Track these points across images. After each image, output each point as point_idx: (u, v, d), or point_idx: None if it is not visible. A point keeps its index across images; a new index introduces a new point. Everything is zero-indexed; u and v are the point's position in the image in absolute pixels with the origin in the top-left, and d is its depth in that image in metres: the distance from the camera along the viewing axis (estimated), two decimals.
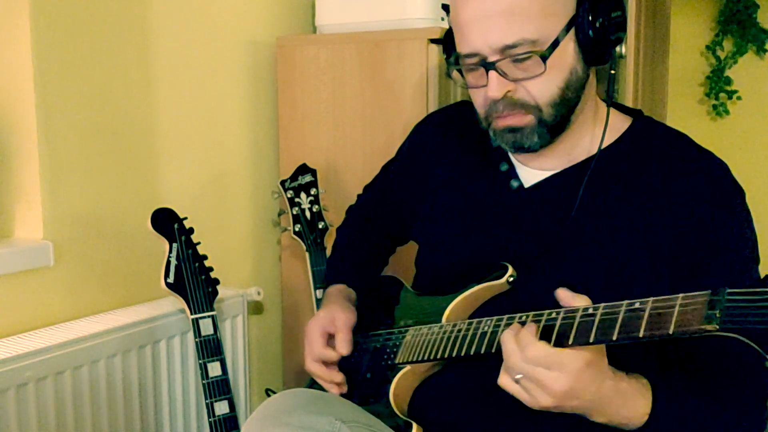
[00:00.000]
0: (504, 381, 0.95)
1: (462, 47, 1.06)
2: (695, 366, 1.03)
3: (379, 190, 1.45)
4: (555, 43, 1.03)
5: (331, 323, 1.25)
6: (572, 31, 1.04)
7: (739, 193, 1.08)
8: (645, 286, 0.95)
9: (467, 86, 1.11)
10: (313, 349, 1.25)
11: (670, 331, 0.82)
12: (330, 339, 1.26)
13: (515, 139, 1.08)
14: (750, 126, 2.89)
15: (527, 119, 1.06)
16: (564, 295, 0.94)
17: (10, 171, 1.49)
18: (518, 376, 0.92)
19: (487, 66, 1.03)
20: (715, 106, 2.91)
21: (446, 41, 1.16)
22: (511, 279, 1.10)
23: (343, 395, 1.23)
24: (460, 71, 1.12)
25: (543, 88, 1.04)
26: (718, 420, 1.01)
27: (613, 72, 1.11)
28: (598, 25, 1.04)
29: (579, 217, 1.08)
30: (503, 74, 1.03)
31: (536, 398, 0.92)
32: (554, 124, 1.07)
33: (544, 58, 1.02)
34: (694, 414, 0.99)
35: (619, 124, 1.14)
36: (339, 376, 1.23)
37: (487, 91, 1.05)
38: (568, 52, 1.05)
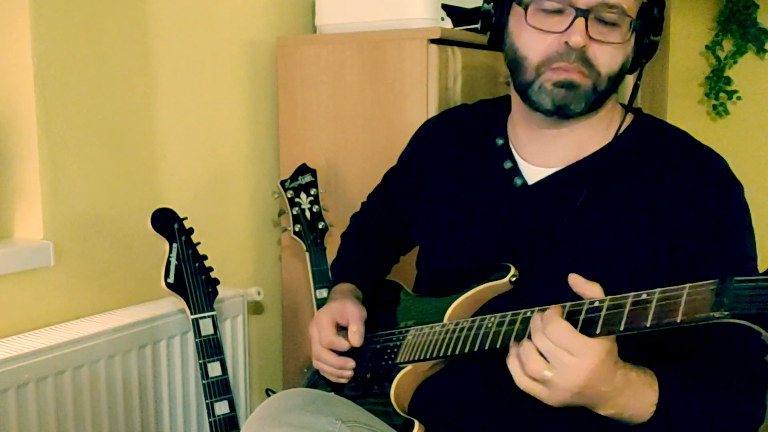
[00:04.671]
0: (517, 374, 0.93)
1: None
2: (696, 356, 1.03)
3: (381, 197, 1.45)
4: (638, 20, 1.07)
5: (341, 314, 1.24)
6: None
7: (738, 186, 1.09)
8: (648, 281, 0.96)
9: (531, 26, 1.08)
10: (323, 336, 1.24)
11: (678, 320, 0.82)
12: (339, 330, 1.25)
13: (565, 97, 1.07)
14: (750, 126, 2.89)
15: (586, 81, 1.07)
16: (575, 280, 0.93)
17: (10, 171, 1.49)
18: (546, 373, 0.90)
19: (579, 12, 1.04)
20: (715, 106, 2.91)
21: None
22: (514, 279, 1.10)
23: (343, 395, 1.23)
24: (502, 18, 1.13)
25: (610, 57, 1.07)
26: (722, 410, 1.01)
27: (639, 82, 1.14)
28: (651, 36, 1.10)
29: (581, 213, 1.09)
30: (586, 27, 1.04)
31: (555, 389, 0.90)
32: (601, 97, 1.09)
33: (635, 28, 1.06)
34: (699, 405, 0.99)
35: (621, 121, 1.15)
36: (351, 362, 1.22)
37: (568, 36, 1.04)
38: (632, 41, 1.09)
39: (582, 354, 0.89)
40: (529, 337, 0.93)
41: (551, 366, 0.90)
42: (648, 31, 1.10)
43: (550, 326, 0.90)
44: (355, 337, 1.22)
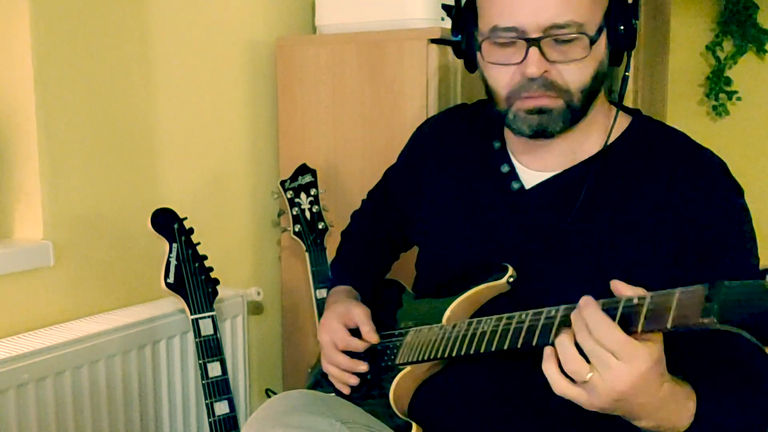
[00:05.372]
0: (554, 376, 0.88)
1: (501, 20, 1.03)
2: (712, 359, 1.01)
3: (381, 195, 1.45)
4: (600, 30, 1.04)
5: (347, 317, 1.23)
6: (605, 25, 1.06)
7: (737, 189, 1.08)
8: (646, 285, 0.95)
9: (488, 62, 1.07)
10: (338, 339, 1.22)
11: (669, 326, 0.81)
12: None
13: (540, 122, 1.06)
14: (750, 126, 2.90)
15: (557, 102, 1.05)
16: (619, 286, 0.89)
17: (10, 171, 1.49)
18: (587, 375, 0.85)
19: (530, 42, 1.02)
20: (715, 107, 2.91)
21: (459, 15, 1.14)
22: (511, 280, 1.10)
23: (343, 396, 1.23)
24: (472, 47, 1.11)
25: (577, 73, 1.04)
26: (752, 413, 0.99)
27: (627, 74, 1.12)
28: (627, 24, 1.06)
29: (579, 217, 1.09)
30: (543, 53, 1.02)
31: (595, 393, 0.86)
32: (578, 112, 1.07)
33: (593, 42, 1.02)
34: (734, 412, 0.97)
35: (619, 123, 1.14)
36: (363, 365, 1.21)
37: (524, 68, 1.03)
38: (602, 43, 1.06)
39: (629, 359, 0.84)
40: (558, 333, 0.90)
41: (593, 367, 0.85)
42: (621, 20, 1.06)
43: (599, 327, 0.85)
44: (371, 335, 1.20)
